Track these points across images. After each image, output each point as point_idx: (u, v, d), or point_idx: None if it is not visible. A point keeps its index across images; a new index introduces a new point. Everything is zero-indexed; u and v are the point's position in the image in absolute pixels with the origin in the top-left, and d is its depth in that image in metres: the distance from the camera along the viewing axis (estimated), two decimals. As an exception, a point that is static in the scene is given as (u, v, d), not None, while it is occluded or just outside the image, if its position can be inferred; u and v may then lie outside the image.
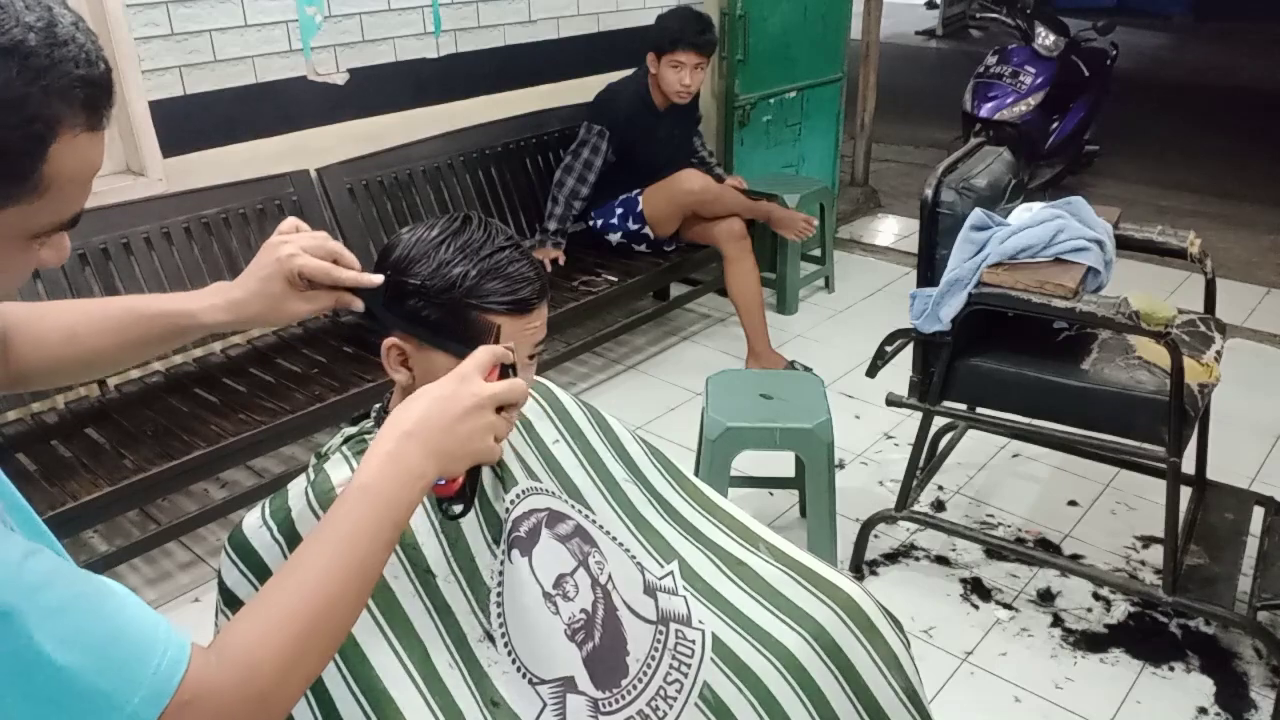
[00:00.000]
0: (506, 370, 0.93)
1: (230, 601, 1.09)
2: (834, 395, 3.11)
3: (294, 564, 0.78)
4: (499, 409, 0.89)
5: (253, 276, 1.01)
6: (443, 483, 0.88)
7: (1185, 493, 2.31)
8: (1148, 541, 2.57)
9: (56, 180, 0.68)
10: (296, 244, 1.00)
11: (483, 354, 0.91)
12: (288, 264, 0.99)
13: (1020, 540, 2.58)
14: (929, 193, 2.23)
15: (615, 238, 3.49)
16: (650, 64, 3.31)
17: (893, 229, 5.09)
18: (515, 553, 1.10)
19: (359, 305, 1.04)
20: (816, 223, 3.80)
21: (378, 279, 1.03)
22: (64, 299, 2.36)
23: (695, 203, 3.40)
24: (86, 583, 0.68)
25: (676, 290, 3.89)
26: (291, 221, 1.05)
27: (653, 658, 1.15)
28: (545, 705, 1.06)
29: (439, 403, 0.86)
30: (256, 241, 2.77)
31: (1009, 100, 4.95)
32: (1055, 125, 5.12)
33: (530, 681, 1.07)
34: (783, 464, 2.70)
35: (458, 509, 0.90)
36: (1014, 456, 2.96)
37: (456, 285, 1.02)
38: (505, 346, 0.94)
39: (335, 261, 1.01)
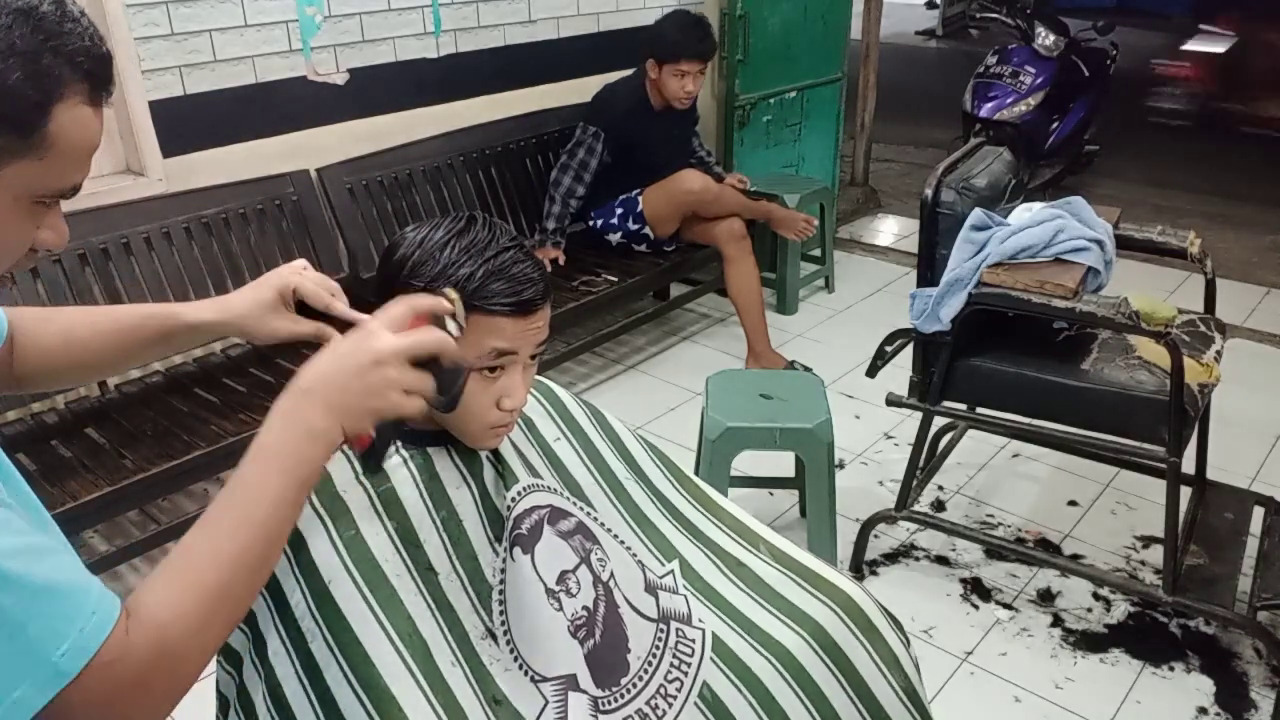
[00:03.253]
0: (444, 324, 0.89)
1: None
2: (834, 395, 3.11)
3: (202, 527, 0.81)
4: (424, 363, 0.86)
5: (250, 284, 1.05)
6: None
7: (1185, 493, 2.31)
8: (1148, 541, 2.57)
9: (58, 143, 0.73)
10: (303, 273, 1.04)
11: (397, 305, 0.87)
12: (287, 278, 1.02)
13: (1020, 540, 2.58)
14: (929, 193, 2.23)
15: (615, 238, 3.49)
16: (650, 69, 3.31)
17: (893, 229, 5.09)
18: (517, 550, 1.10)
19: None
20: (816, 222, 3.80)
21: (365, 318, 1.02)
22: (65, 304, 2.36)
23: (695, 202, 3.40)
24: (29, 535, 0.73)
25: (676, 290, 3.89)
26: (300, 262, 1.08)
27: (654, 655, 1.15)
28: (547, 703, 1.06)
29: (338, 359, 0.85)
30: (256, 241, 2.77)
31: (1009, 100, 4.95)
32: (1055, 125, 5.12)
33: (532, 679, 1.07)
34: (783, 464, 2.70)
35: (371, 464, 0.90)
36: (1014, 456, 2.96)
37: (460, 286, 1.01)
38: (444, 294, 0.91)
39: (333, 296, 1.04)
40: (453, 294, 0.94)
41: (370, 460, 0.89)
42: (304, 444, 0.83)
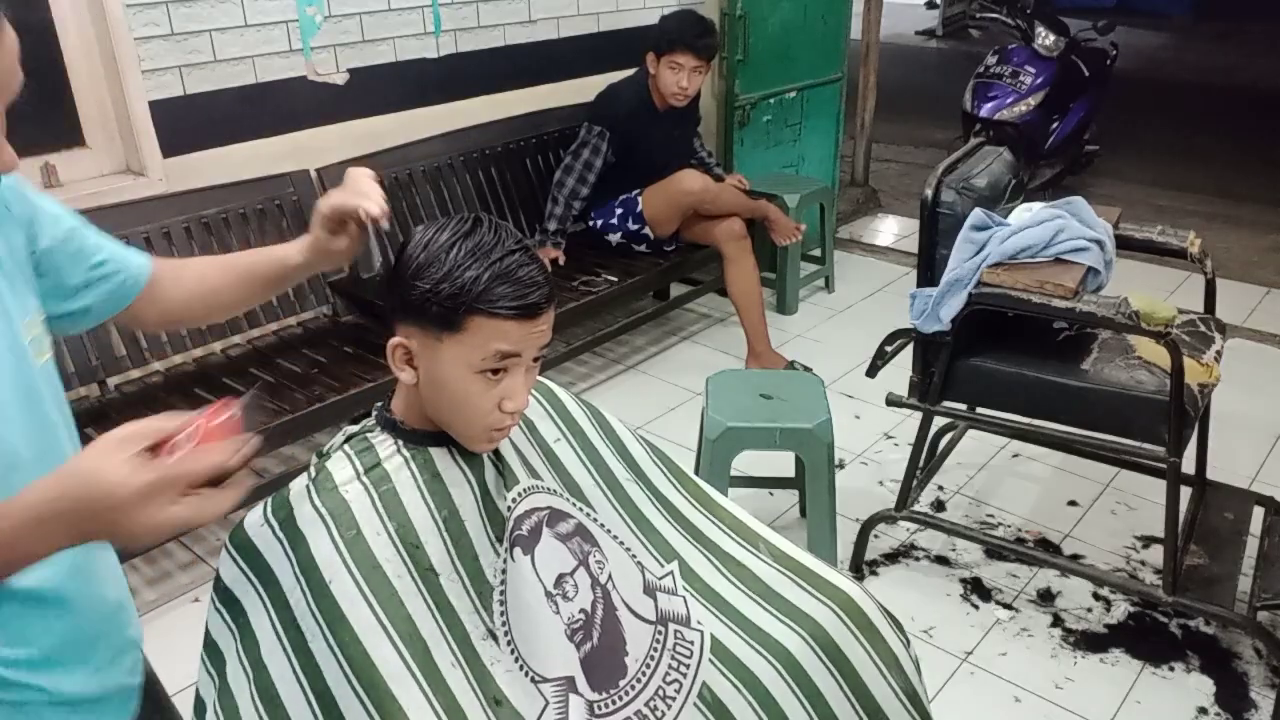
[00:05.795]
0: (245, 419, 0.81)
1: (226, 600, 1.09)
2: (834, 395, 3.10)
3: None
4: (219, 482, 0.79)
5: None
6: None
7: (1185, 493, 2.31)
8: (1148, 541, 2.57)
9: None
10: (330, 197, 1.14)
11: (137, 433, 0.77)
12: (321, 207, 1.14)
13: (1020, 540, 2.58)
14: (929, 193, 2.23)
15: (615, 238, 3.49)
16: (649, 64, 3.31)
17: (893, 229, 5.09)
18: (518, 551, 1.10)
19: (376, 261, 1.11)
20: (805, 228, 3.80)
21: (379, 211, 1.10)
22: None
23: (695, 203, 3.40)
24: None
25: (676, 290, 3.89)
26: (328, 195, 1.16)
27: (651, 658, 1.16)
28: (548, 703, 1.06)
29: (100, 494, 0.75)
30: (256, 241, 2.77)
31: (1009, 100, 4.95)
32: (1055, 125, 5.12)
33: (533, 680, 1.07)
34: (783, 464, 2.70)
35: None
36: (1014, 456, 2.96)
37: (466, 289, 1.02)
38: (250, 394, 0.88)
39: None
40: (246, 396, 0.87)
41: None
42: (35, 543, 0.78)
